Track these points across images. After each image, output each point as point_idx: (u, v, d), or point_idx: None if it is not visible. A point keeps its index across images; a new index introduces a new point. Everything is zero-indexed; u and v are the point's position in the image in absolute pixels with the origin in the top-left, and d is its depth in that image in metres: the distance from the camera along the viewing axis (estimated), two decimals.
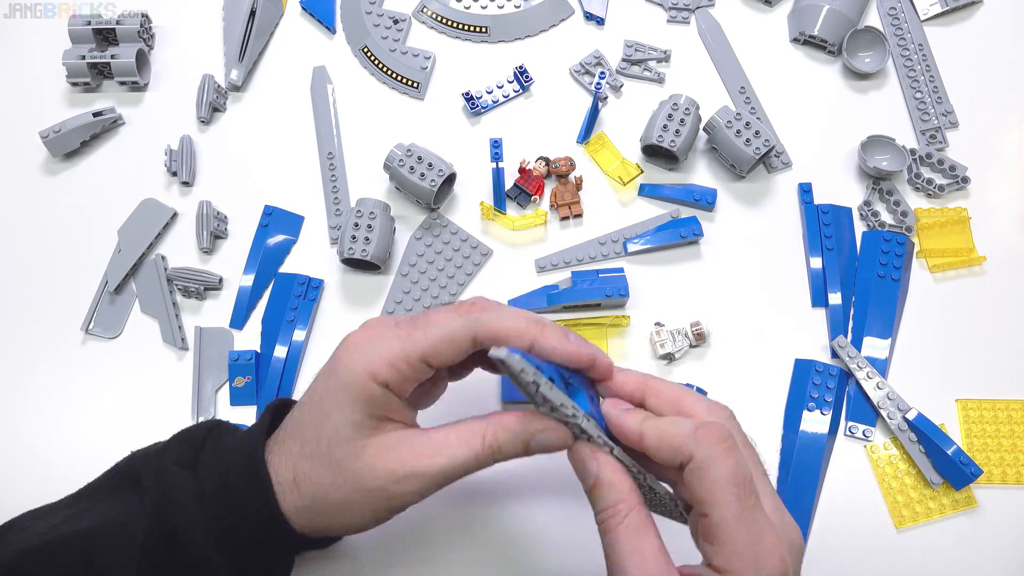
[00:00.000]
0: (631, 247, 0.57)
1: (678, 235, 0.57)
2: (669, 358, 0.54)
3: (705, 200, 0.59)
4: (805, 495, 0.50)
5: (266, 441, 0.40)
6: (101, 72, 0.65)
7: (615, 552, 0.34)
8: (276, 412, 0.42)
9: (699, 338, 0.54)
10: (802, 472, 0.50)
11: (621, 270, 0.56)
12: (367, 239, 0.54)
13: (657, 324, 0.54)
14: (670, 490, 0.37)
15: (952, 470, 0.49)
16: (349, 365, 0.38)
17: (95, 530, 0.39)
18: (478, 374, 0.45)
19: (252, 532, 0.38)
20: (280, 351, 0.55)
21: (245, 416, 0.53)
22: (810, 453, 0.51)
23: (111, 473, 0.43)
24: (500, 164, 0.60)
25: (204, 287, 0.57)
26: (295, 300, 0.56)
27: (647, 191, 0.60)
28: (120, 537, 0.38)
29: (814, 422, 0.52)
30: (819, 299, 0.56)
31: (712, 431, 0.34)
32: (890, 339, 0.55)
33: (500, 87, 0.64)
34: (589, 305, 0.55)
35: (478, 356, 0.40)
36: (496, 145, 0.61)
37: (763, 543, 0.32)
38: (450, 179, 0.58)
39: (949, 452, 0.49)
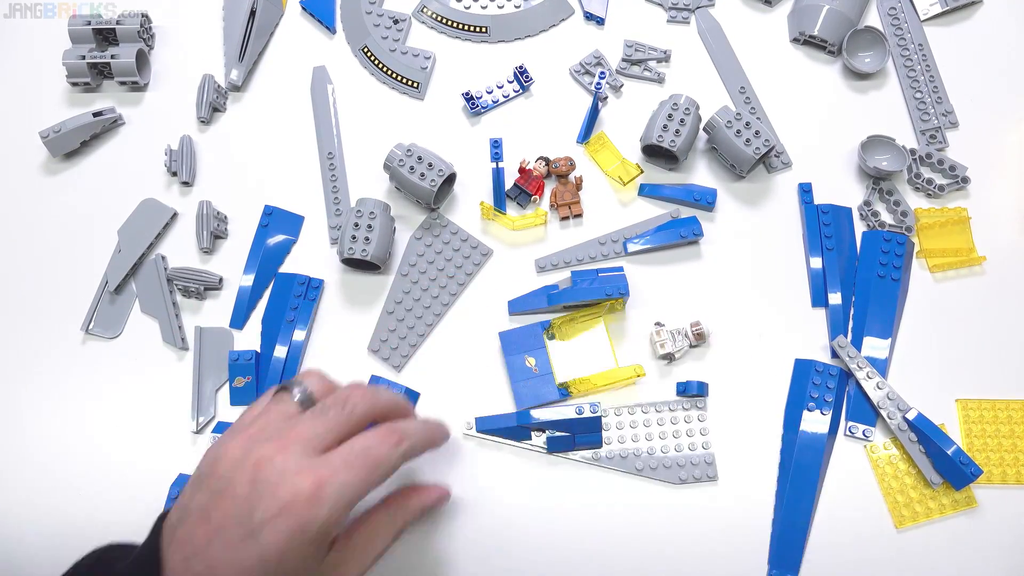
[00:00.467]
0: (631, 247, 0.57)
1: (678, 235, 0.57)
2: (669, 358, 0.54)
3: (705, 200, 0.59)
4: (805, 495, 0.50)
5: None
6: (101, 72, 0.65)
7: None
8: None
9: (699, 338, 0.54)
10: (802, 472, 0.50)
11: (621, 269, 0.56)
12: (367, 239, 0.54)
13: (657, 324, 0.54)
14: None
15: (952, 470, 0.49)
16: (323, 517, 0.35)
17: None
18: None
19: None
20: (280, 351, 0.55)
21: None
22: (810, 453, 0.51)
23: None
24: (500, 164, 0.60)
25: (204, 287, 0.57)
26: (295, 300, 0.56)
27: (647, 191, 0.60)
28: None
29: (814, 422, 0.52)
30: (819, 299, 0.56)
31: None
32: (890, 339, 0.55)
33: (500, 87, 0.64)
34: (589, 305, 0.55)
35: None
36: (496, 145, 0.61)
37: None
38: (450, 179, 0.58)
39: (949, 452, 0.49)
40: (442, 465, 0.51)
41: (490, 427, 0.51)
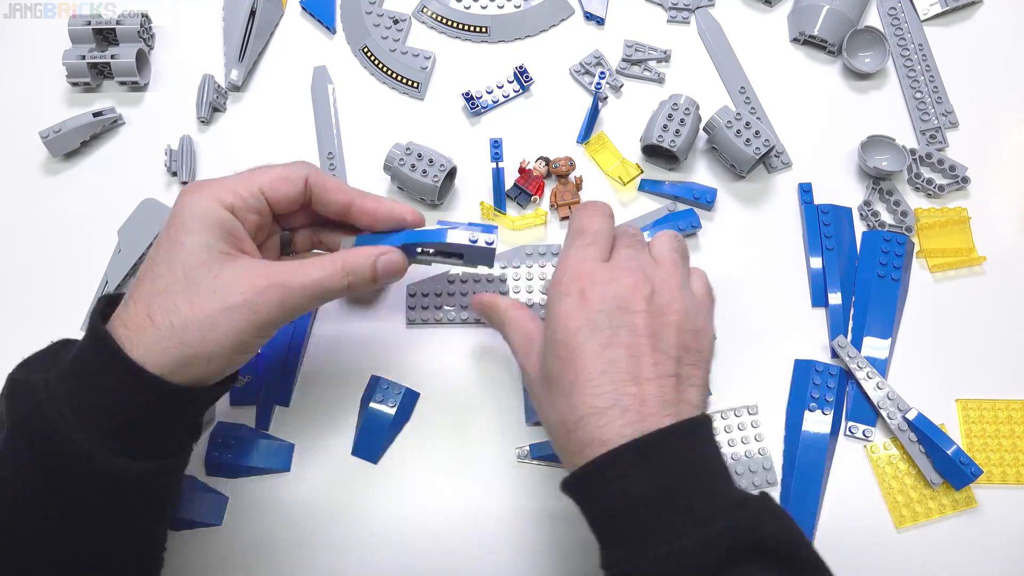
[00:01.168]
0: None
1: (676, 228, 0.57)
2: None
3: (705, 199, 0.59)
4: (810, 496, 0.50)
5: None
6: (101, 72, 0.65)
7: (512, 339, 0.46)
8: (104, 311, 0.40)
9: None
10: (806, 473, 0.50)
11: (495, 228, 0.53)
12: None
13: None
14: None
15: (952, 470, 0.49)
16: (194, 197, 0.40)
17: None
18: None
19: (110, 397, 0.36)
20: (280, 342, 0.55)
21: (245, 416, 0.53)
22: (813, 453, 0.51)
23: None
24: (500, 164, 0.60)
25: None
26: None
27: (647, 187, 0.60)
28: None
29: (816, 422, 0.52)
30: (819, 299, 0.56)
31: (593, 204, 0.46)
32: (890, 339, 0.55)
33: (500, 87, 0.64)
34: (453, 255, 0.50)
35: (310, 215, 0.47)
36: (496, 145, 0.61)
37: (574, 267, 0.41)
38: (451, 174, 0.58)
39: (949, 452, 0.49)
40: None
41: (546, 453, 0.51)
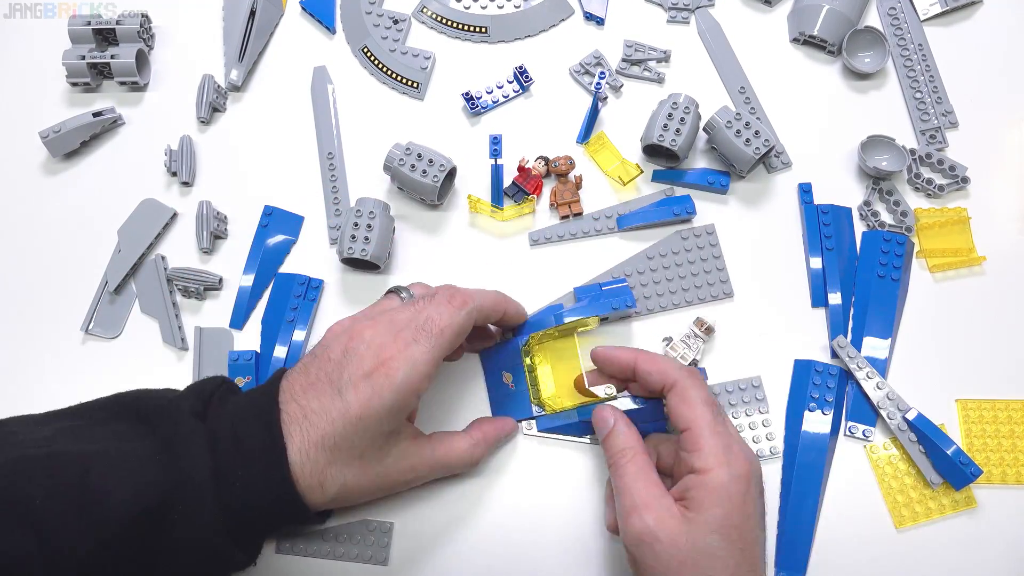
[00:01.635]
0: (625, 223, 0.58)
1: (671, 212, 0.57)
2: (695, 364, 0.54)
3: (719, 183, 0.59)
4: (809, 496, 0.50)
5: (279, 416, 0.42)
6: (101, 72, 0.65)
7: (623, 483, 0.44)
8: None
9: (708, 332, 0.54)
10: (806, 473, 0.50)
11: (624, 280, 0.56)
12: (367, 239, 0.54)
13: (666, 339, 0.54)
14: None
15: (952, 470, 0.49)
16: (396, 384, 0.42)
17: (95, 454, 0.39)
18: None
19: (257, 495, 0.40)
20: (280, 351, 0.55)
21: None
22: (813, 454, 0.51)
23: (110, 401, 0.44)
24: (499, 161, 0.60)
25: (204, 287, 0.57)
26: (295, 300, 0.56)
27: (660, 176, 0.60)
28: (119, 467, 0.39)
29: (816, 422, 0.52)
30: (819, 299, 0.56)
31: (689, 368, 0.46)
32: (890, 339, 0.55)
33: (500, 87, 0.64)
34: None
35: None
36: (495, 142, 0.61)
37: (731, 448, 0.42)
38: (451, 174, 0.58)
39: (949, 452, 0.49)
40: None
41: (550, 426, 0.52)
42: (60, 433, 0.41)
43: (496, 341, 0.54)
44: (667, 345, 0.54)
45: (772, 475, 0.51)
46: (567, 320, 0.52)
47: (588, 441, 0.52)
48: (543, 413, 0.52)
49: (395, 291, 0.49)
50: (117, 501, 0.37)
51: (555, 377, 0.53)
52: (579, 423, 0.51)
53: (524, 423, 0.52)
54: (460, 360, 0.54)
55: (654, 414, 0.50)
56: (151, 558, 0.39)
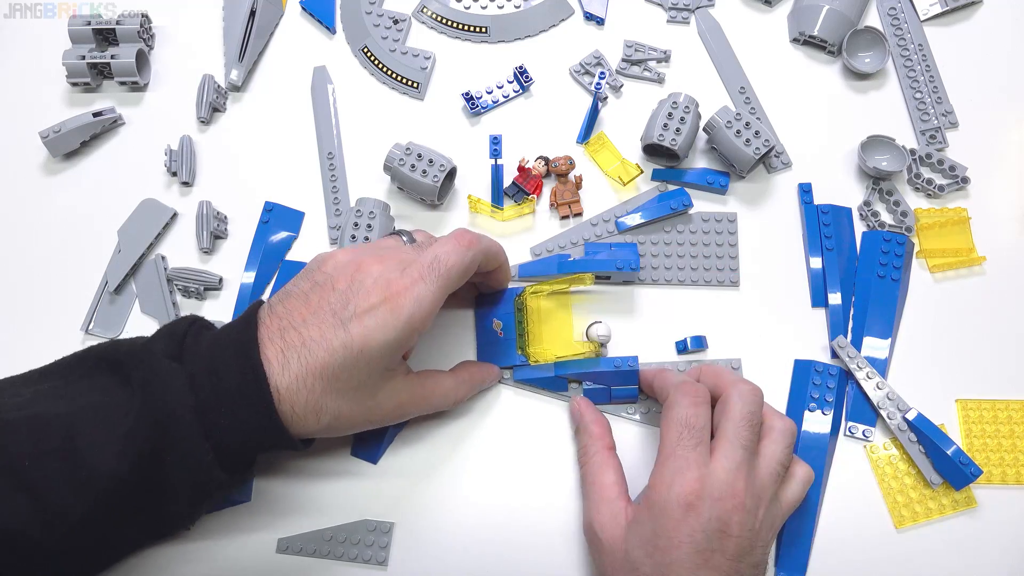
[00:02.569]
0: (625, 221, 0.58)
1: (668, 207, 0.57)
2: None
3: (719, 183, 0.59)
4: (810, 496, 0.50)
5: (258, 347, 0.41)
6: (101, 72, 0.65)
7: (585, 477, 0.48)
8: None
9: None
10: None
11: (634, 245, 0.57)
12: (367, 239, 0.54)
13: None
14: None
15: (952, 470, 0.49)
16: (402, 320, 0.41)
17: (76, 413, 0.39)
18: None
19: (245, 432, 0.40)
20: None
21: None
22: (814, 454, 0.51)
23: (84, 356, 0.43)
24: (499, 161, 0.60)
25: (204, 287, 0.57)
26: None
27: (660, 175, 0.60)
28: (102, 423, 0.39)
29: (816, 422, 0.52)
30: (819, 299, 0.56)
31: (690, 386, 0.46)
32: (890, 339, 0.55)
33: (500, 87, 0.64)
34: (600, 277, 0.55)
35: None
36: (495, 141, 0.61)
37: (683, 473, 0.41)
38: (451, 174, 0.58)
39: (949, 452, 0.49)
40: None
41: (526, 377, 0.53)
42: (39, 395, 0.41)
43: (503, 288, 0.54)
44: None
45: None
46: (568, 272, 0.54)
47: (562, 400, 0.53)
48: (526, 364, 0.53)
49: (398, 233, 0.50)
50: (106, 457, 0.38)
51: (544, 330, 0.54)
52: (554, 378, 0.52)
53: (503, 371, 0.53)
54: (459, 295, 0.55)
55: (624, 379, 0.51)
56: (147, 503, 0.40)
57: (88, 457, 0.38)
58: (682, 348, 0.54)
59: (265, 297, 0.53)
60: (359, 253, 0.45)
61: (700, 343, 0.54)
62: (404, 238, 0.49)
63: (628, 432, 0.52)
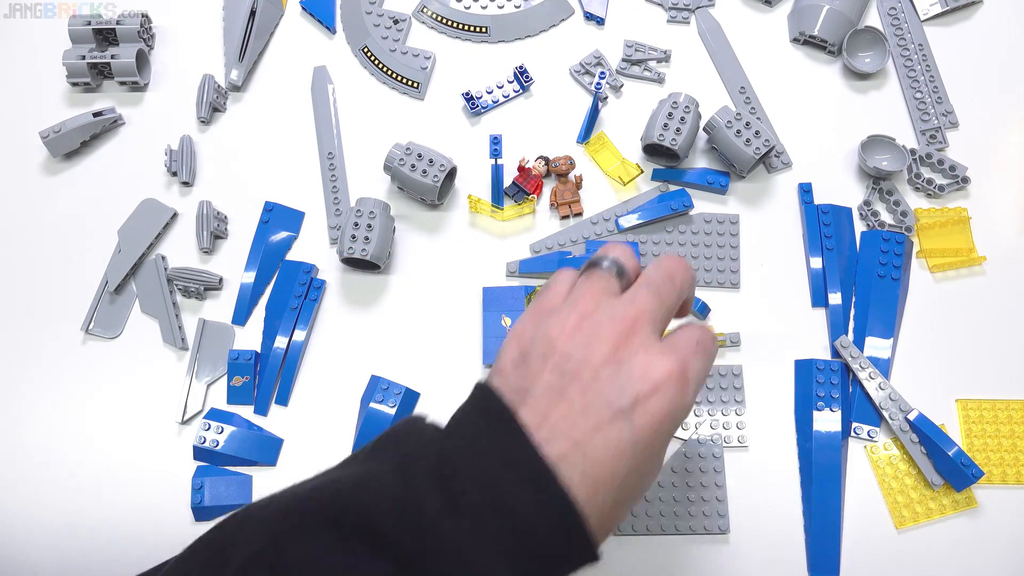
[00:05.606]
0: (624, 222, 0.58)
1: (668, 208, 0.57)
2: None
3: (719, 183, 0.59)
4: (832, 496, 0.49)
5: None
6: (101, 72, 0.65)
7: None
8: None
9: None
10: (825, 473, 0.50)
11: (635, 244, 0.57)
12: (367, 239, 0.54)
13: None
14: None
15: (953, 471, 0.49)
16: (687, 403, 0.33)
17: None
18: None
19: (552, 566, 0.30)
20: (281, 342, 0.55)
21: (243, 412, 0.53)
22: (828, 453, 0.51)
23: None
24: (499, 161, 0.60)
25: (204, 287, 0.57)
26: (295, 300, 0.56)
27: (661, 175, 0.60)
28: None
29: (826, 421, 0.51)
30: (819, 299, 0.56)
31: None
32: (892, 339, 0.54)
33: (500, 87, 0.64)
34: None
35: None
36: (496, 141, 0.61)
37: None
38: (451, 174, 0.58)
39: (950, 453, 0.49)
40: None
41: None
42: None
43: None
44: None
45: (772, 474, 0.51)
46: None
47: None
48: None
49: (594, 264, 0.37)
50: None
51: None
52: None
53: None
54: (461, 295, 0.55)
55: None
56: None
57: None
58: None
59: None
60: (585, 319, 0.34)
61: (703, 309, 0.55)
62: (605, 264, 0.37)
63: None
